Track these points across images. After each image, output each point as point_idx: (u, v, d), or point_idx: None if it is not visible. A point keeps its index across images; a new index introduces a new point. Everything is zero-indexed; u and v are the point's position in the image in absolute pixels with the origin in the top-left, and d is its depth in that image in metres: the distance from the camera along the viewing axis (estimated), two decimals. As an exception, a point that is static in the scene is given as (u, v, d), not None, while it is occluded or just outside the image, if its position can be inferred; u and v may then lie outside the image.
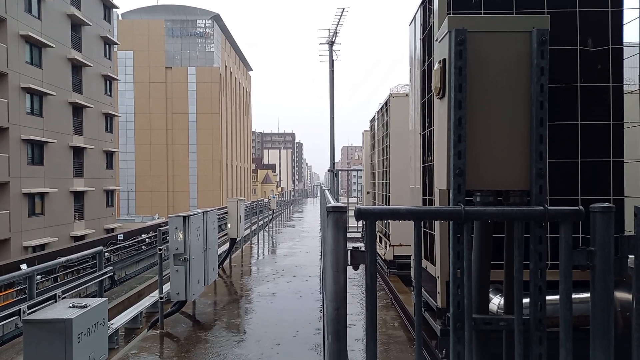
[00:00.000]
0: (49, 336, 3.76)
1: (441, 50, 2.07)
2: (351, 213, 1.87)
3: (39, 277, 14.81)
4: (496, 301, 3.12)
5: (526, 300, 1.83)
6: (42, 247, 24.17)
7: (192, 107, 58.61)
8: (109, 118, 33.63)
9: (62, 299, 4.84)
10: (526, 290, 1.82)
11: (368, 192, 12.85)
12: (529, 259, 1.87)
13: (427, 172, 4.46)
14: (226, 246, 12.32)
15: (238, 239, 12.08)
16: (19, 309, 4.35)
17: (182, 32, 59.55)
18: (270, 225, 22.31)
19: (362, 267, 1.66)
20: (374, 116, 11.29)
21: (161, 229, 7.31)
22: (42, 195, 25.06)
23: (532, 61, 1.93)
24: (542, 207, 1.81)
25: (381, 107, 10.17)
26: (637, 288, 1.71)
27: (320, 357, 5.51)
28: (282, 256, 13.44)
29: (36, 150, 24.86)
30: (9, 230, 22.18)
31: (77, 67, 29.11)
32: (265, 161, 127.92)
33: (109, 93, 33.51)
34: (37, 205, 24.79)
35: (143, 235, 25.94)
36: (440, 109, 2.12)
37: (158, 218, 46.51)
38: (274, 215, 24.29)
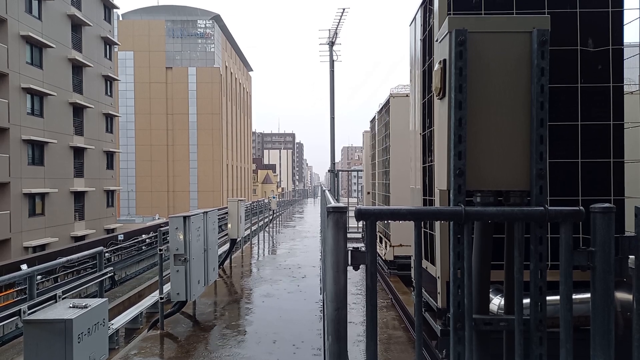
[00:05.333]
0: (49, 336, 3.76)
1: (441, 50, 2.07)
2: (351, 213, 1.87)
3: (39, 277, 14.81)
4: (496, 301, 3.12)
5: (526, 301, 1.83)
6: (43, 247, 24.18)
7: (193, 108, 58.63)
8: (110, 118, 33.66)
9: (63, 299, 4.84)
10: (526, 290, 1.82)
11: (368, 193, 12.85)
12: (530, 260, 1.87)
13: (428, 173, 4.46)
14: (226, 246, 12.32)
15: (238, 240, 12.07)
16: (20, 309, 4.35)
17: (183, 32, 59.56)
18: (271, 225, 22.31)
19: (362, 267, 1.66)
20: (374, 116, 11.29)
21: (161, 229, 7.31)
22: (42, 196, 25.08)
23: (533, 62, 1.93)
24: (542, 208, 1.81)
25: (381, 108, 10.17)
26: (637, 288, 1.71)
27: (321, 357, 5.51)
28: (282, 256, 13.43)
29: (36, 151, 24.87)
30: (9, 231, 22.19)
31: (77, 68, 29.14)
32: (266, 161, 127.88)
33: (109, 93, 33.54)
34: (38, 205, 24.81)
35: (143, 235, 25.91)
36: (441, 109, 2.12)
37: (158, 218, 46.55)
38: (274, 215, 24.28)
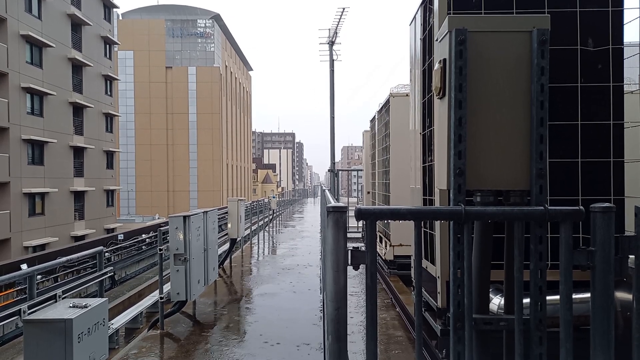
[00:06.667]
0: (50, 336, 3.76)
1: (441, 50, 2.07)
2: (351, 213, 1.87)
3: (39, 277, 14.80)
4: (496, 301, 3.12)
5: (526, 300, 1.83)
6: (43, 247, 24.17)
7: (193, 107, 58.62)
8: (109, 118, 33.64)
9: (63, 299, 4.84)
10: (526, 290, 1.82)
11: (368, 192, 12.85)
12: (529, 259, 1.87)
13: (428, 172, 4.46)
14: (226, 246, 12.31)
15: (238, 239, 12.07)
16: (20, 309, 4.35)
17: (183, 31, 59.54)
18: (271, 225, 22.31)
19: (362, 267, 1.66)
20: (374, 116, 11.29)
21: (161, 229, 7.31)
22: (42, 195, 25.07)
23: (533, 61, 1.93)
24: (542, 207, 1.81)
25: (381, 107, 10.17)
26: (637, 288, 1.71)
27: (320, 356, 5.51)
28: (282, 256, 13.44)
29: (36, 150, 24.87)
30: (9, 230, 22.18)
31: (77, 67, 29.12)
32: (266, 161, 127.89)
33: (109, 93, 33.53)
34: (38, 205, 24.80)
35: (143, 235, 25.89)
36: (441, 108, 2.12)
37: (158, 218, 46.53)
38: (274, 215, 24.28)
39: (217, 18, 61.38)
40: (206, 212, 7.73)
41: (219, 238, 10.65)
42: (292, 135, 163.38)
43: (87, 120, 30.02)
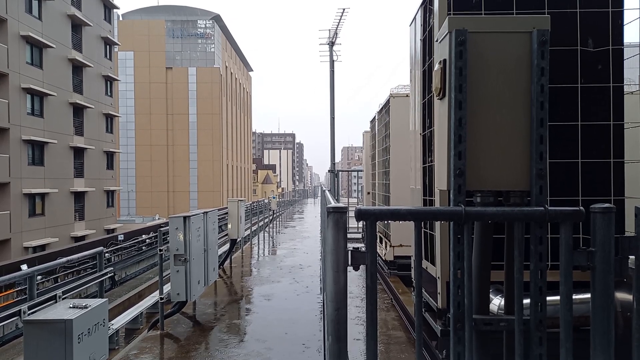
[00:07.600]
0: (50, 337, 3.76)
1: (441, 50, 2.07)
2: (351, 213, 1.87)
3: (39, 277, 14.79)
4: (496, 302, 3.12)
5: (526, 301, 1.83)
6: (43, 247, 24.17)
7: (193, 108, 58.61)
8: (110, 118, 33.65)
9: (63, 299, 4.84)
10: (526, 290, 1.82)
11: (368, 193, 12.85)
12: (530, 260, 1.87)
13: (428, 173, 4.46)
14: (226, 247, 12.31)
15: (238, 240, 12.07)
16: (20, 310, 4.35)
17: (183, 32, 59.56)
18: (271, 225, 22.31)
19: (362, 267, 1.66)
20: (375, 117, 11.29)
21: (161, 229, 7.31)
22: (42, 196, 25.07)
23: (533, 61, 1.93)
24: (542, 208, 1.81)
25: (381, 108, 10.17)
26: (637, 288, 1.71)
27: (321, 357, 5.51)
28: (282, 257, 13.43)
29: (37, 151, 24.87)
30: (9, 231, 22.18)
31: (77, 68, 29.13)
32: (266, 162, 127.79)
33: (109, 93, 33.54)
34: (38, 205, 24.80)
35: (143, 235, 25.89)
36: (441, 109, 2.12)
37: (158, 218, 46.53)
38: (275, 215, 24.28)
39: (217, 19, 61.39)
40: (206, 212, 7.73)
41: (219, 239, 10.65)
42: (292, 135, 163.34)
43: (87, 120, 30.02)
